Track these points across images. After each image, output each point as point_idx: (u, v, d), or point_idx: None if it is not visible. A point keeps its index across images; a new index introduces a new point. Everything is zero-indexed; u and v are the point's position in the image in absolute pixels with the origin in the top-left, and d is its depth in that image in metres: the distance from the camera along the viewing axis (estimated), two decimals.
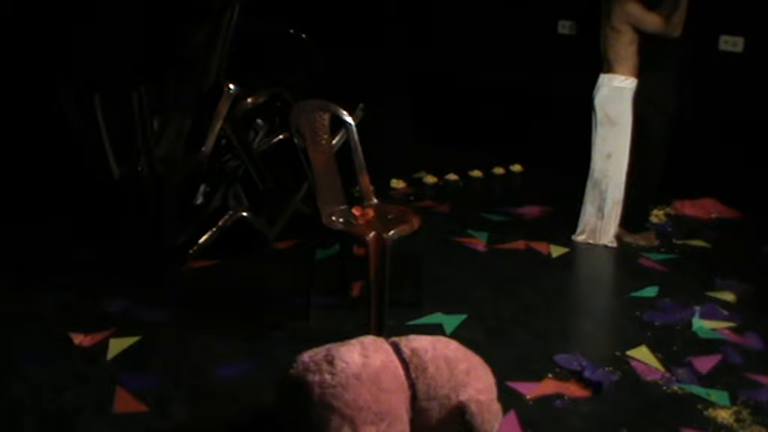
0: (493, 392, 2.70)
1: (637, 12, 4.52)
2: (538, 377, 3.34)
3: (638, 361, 3.51)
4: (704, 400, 3.21)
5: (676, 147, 4.90)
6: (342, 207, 3.82)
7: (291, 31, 5.28)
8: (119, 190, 4.45)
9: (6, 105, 4.82)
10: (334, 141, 4.14)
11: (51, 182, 4.83)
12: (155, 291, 4.05)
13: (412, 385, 2.61)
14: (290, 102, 4.49)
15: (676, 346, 3.66)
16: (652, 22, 4.52)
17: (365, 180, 3.97)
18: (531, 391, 3.23)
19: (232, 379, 3.27)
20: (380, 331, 3.42)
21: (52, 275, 4.19)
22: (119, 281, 4.12)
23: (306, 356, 2.67)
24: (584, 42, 4.98)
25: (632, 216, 4.90)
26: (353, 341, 2.70)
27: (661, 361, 3.51)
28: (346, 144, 4.04)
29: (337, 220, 3.69)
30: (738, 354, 3.61)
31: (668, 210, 5.57)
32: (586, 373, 3.34)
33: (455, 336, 3.50)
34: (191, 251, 4.35)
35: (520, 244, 4.90)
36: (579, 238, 4.94)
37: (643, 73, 4.65)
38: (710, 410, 3.14)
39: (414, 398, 2.61)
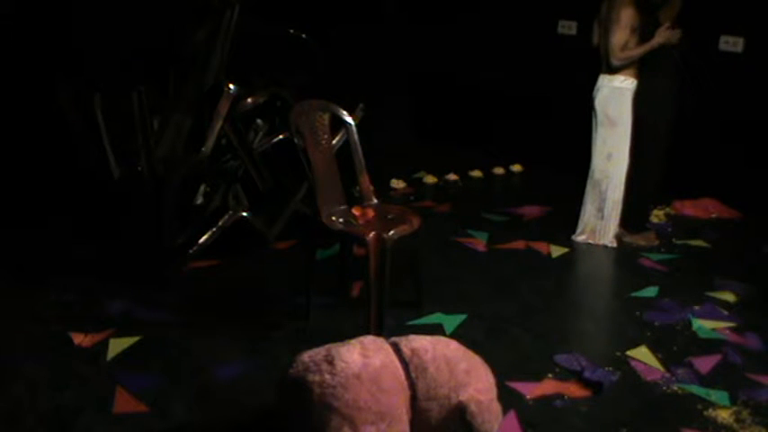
0: (493, 392, 2.70)
1: (622, 20, 4.51)
2: (538, 377, 3.34)
3: (638, 361, 3.51)
4: (704, 400, 3.21)
5: (676, 147, 4.91)
6: (342, 207, 3.82)
7: (291, 31, 5.28)
8: (119, 190, 4.45)
9: (6, 105, 4.82)
10: (334, 141, 4.14)
11: (51, 182, 4.83)
12: (155, 291, 4.05)
13: (412, 385, 2.61)
14: (290, 102, 4.49)
15: (676, 346, 3.67)
16: (615, 39, 4.53)
17: (365, 180, 3.97)
18: (531, 391, 3.23)
19: (232, 379, 3.27)
20: (380, 331, 3.42)
21: (52, 275, 4.19)
22: (119, 281, 4.12)
23: (306, 356, 2.67)
24: (584, 42, 4.98)
25: (632, 216, 4.90)
26: (353, 341, 2.70)
27: (661, 361, 3.51)
28: (346, 144, 4.05)
29: (337, 220, 3.69)
30: (738, 354, 3.61)
31: (668, 210, 5.57)
32: (586, 373, 3.34)
33: (455, 336, 3.50)
34: (191, 251, 4.35)
35: (520, 244, 4.90)
36: (579, 238, 4.95)
37: (643, 73, 4.65)
38: (710, 410, 3.14)
39: (414, 398, 2.61)
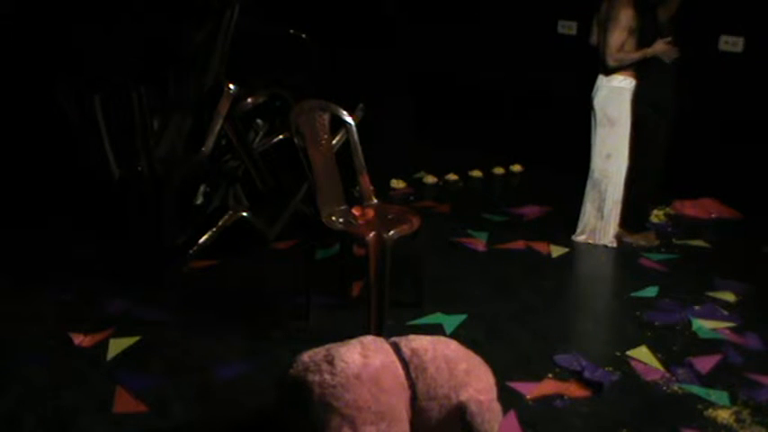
0: (493, 392, 2.70)
1: (621, 21, 4.52)
2: (538, 377, 3.34)
3: (638, 361, 3.51)
4: (704, 400, 3.22)
5: (676, 147, 4.90)
6: (342, 207, 3.82)
7: (291, 31, 5.28)
8: (119, 190, 4.45)
9: (6, 105, 4.82)
10: (334, 141, 4.14)
11: (51, 182, 4.83)
12: (155, 291, 4.05)
13: (412, 385, 2.61)
14: (289, 102, 4.49)
15: (676, 346, 3.67)
16: (613, 39, 4.54)
17: (365, 180, 3.97)
18: (531, 391, 3.23)
19: (232, 379, 3.27)
20: (380, 331, 3.42)
21: (52, 275, 4.19)
22: (119, 281, 4.12)
23: (306, 356, 2.67)
24: (584, 42, 4.98)
25: (632, 216, 4.90)
26: (353, 341, 2.70)
27: (661, 361, 3.51)
28: (346, 144, 4.05)
29: (337, 220, 3.69)
30: (738, 354, 3.61)
31: (668, 210, 5.57)
32: (586, 373, 3.34)
33: (455, 336, 3.50)
34: (191, 251, 4.35)
35: (520, 244, 4.90)
36: (579, 238, 4.94)
37: (642, 73, 4.65)
38: (710, 410, 3.14)
39: (414, 398, 2.61)
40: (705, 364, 3.50)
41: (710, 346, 3.69)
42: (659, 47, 4.55)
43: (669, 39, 4.56)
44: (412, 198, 5.79)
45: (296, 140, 3.76)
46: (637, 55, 4.57)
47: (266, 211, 4.73)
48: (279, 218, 4.74)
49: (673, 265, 4.66)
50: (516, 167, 6.52)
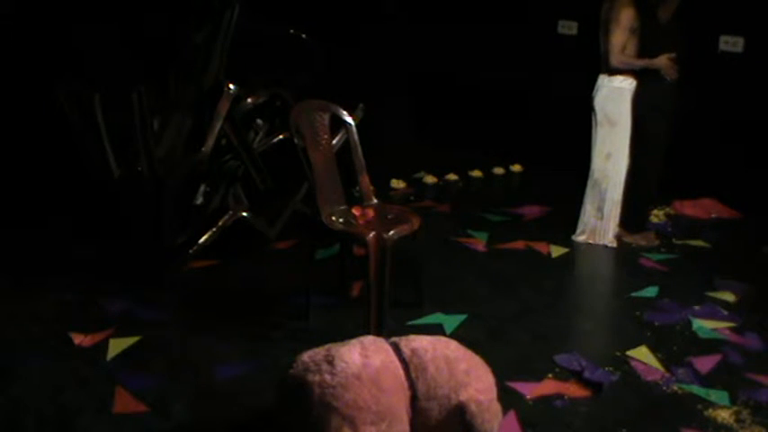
0: (493, 392, 2.70)
1: (622, 21, 4.53)
2: (538, 377, 3.34)
3: (638, 361, 3.51)
4: (704, 400, 3.21)
5: (676, 147, 4.90)
6: (342, 207, 3.82)
7: (291, 31, 5.28)
8: (119, 190, 4.45)
9: (6, 105, 4.82)
10: (334, 141, 4.14)
11: (51, 182, 4.83)
12: (155, 291, 4.05)
13: (412, 385, 2.61)
14: (289, 102, 4.49)
15: (676, 346, 3.67)
16: (615, 40, 4.56)
17: (365, 180, 3.97)
18: (531, 391, 3.23)
19: (232, 379, 3.27)
20: (380, 331, 3.42)
21: (52, 275, 4.19)
22: (119, 281, 4.12)
23: (306, 356, 2.67)
24: (585, 42, 4.98)
25: (632, 216, 4.90)
26: (353, 341, 2.70)
27: (661, 361, 3.51)
28: (346, 144, 4.05)
29: (337, 220, 3.69)
30: (738, 354, 3.61)
31: (668, 210, 5.57)
32: (586, 373, 3.34)
33: (455, 336, 3.50)
34: (191, 251, 4.35)
35: (520, 244, 4.90)
36: (579, 238, 4.95)
37: (642, 74, 4.65)
38: (710, 410, 3.14)
39: (414, 398, 2.61)
40: (705, 364, 3.50)
41: (710, 346, 3.68)
42: (663, 61, 4.55)
43: (673, 54, 4.56)
44: (412, 198, 5.79)
45: (296, 140, 3.76)
46: (639, 63, 4.59)
47: (266, 211, 4.74)
48: (279, 218, 4.74)
49: (673, 265, 4.66)
50: (516, 167, 6.53)
